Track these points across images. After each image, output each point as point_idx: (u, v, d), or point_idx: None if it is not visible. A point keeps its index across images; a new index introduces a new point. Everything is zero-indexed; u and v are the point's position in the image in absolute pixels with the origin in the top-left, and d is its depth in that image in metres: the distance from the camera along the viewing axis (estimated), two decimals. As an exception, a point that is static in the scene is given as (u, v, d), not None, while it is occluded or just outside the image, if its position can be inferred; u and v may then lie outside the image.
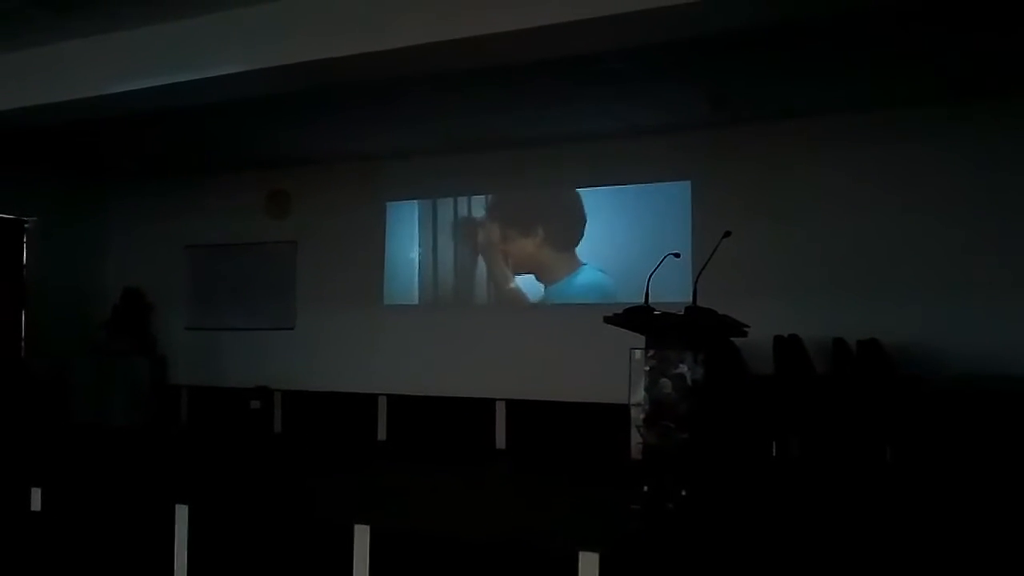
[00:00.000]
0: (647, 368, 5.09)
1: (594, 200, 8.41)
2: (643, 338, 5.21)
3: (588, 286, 8.37)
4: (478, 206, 8.97)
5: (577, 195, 8.51)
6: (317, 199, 9.58)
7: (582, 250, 8.46)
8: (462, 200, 9.01)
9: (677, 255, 5.60)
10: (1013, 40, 5.80)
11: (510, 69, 6.14)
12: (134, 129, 8.10)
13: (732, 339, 5.94)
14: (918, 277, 7.11)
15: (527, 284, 8.74)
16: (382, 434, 9.13)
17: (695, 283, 5.26)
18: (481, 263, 8.94)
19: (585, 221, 8.44)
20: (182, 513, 5.01)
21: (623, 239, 8.15)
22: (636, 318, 5.15)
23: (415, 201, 9.19)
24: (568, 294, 8.50)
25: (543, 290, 8.67)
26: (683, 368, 4.97)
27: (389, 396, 9.13)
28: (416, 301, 9.16)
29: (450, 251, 9.06)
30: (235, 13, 5.64)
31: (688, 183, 8.00)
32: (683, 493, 4.88)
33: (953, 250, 7.04)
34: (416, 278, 9.17)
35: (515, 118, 7.74)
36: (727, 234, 5.36)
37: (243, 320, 9.87)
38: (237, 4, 5.57)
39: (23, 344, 9.61)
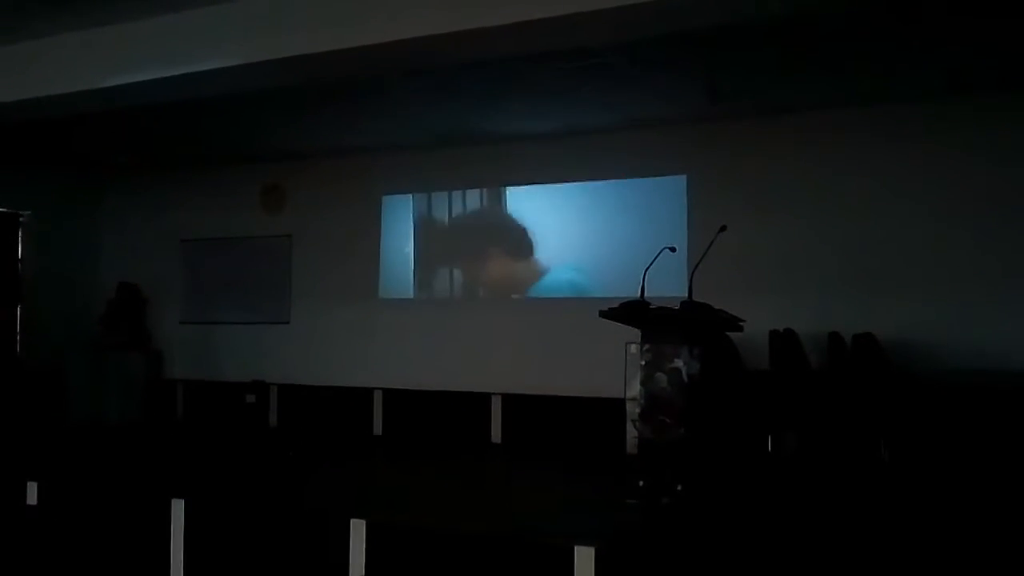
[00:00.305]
0: (643, 362, 5.11)
1: (591, 194, 8.40)
2: (639, 332, 5.22)
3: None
4: (473, 200, 8.96)
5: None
6: (312, 193, 9.56)
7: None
8: (457, 194, 9.01)
9: (673, 249, 5.61)
10: (1012, 35, 5.80)
11: (505, 62, 6.14)
12: (129, 123, 8.07)
13: (728, 334, 5.97)
14: (913, 272, 7.12)
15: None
16: (378, 428, 9.13)
17: (691, 277, 5.28)
18: (477, 258, 8.94)
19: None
20: (178, 507, 5.01)
21: (618, 233, 8.13)
22: (632, 312, 5.16)
23: (411, 195, 9.18)
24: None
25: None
26: (679, 363, 4.99)
27: (385, 390, 9.13)
28: (412, 295, 9.15)
29: (445, 245, 9.06)
30: (230, 7, 5.62)
31: (684, 177, 8.00)
32: (679, 487, 4.90)
33: (949, 245, 7.04)
34: (412, 272, 9.16)
35: (510, 112, 7.72)
36: (723, 228, 5.38)
37: (238, 314, 9.86)
38: (232, -3, 5.56)
39: (19, 338, 9.59)
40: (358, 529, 4.52)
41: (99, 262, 10.49)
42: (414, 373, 8.89)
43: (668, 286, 5.79)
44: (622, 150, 8.15)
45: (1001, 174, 6.92)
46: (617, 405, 6.45)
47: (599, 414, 7.57)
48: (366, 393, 9.17)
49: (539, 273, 8.58)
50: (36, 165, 9.56)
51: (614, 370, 6.55)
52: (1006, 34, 5.81)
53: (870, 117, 7.29)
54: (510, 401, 8.56)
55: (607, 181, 8.29)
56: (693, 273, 5.26)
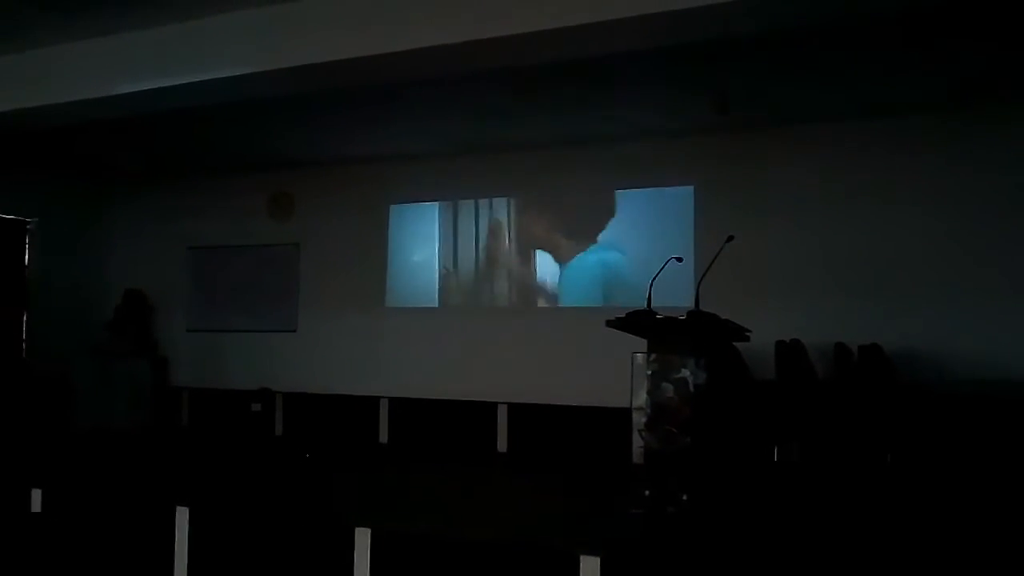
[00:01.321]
0: (649, 372, 5.10)
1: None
2: (645, 342, 5.21)
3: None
4: (483, 210, 8.98)
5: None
6: (320, 201, 9.59)
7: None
8: (466, 204, 9.02)
9: (679, 259, 5.60)
10: (1015, 46, 5.80)
11: (515, 73, 6.15)
12: (137, 130, 8.10)
13: (734, 343, 5.96)
14: (920, 282, 7.11)
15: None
16: (383, 437, 9.13)
17: (697, 287, 5.27)
18: (485, 266, 8.94)
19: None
20: (183, 515, 5.01)
21: (626, 243, 8.14)
22: (638, 322, 5.15)
23: (418, 204, 9.20)
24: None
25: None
26: (685, 372, 4.97)
27: (391, 399, 9.13)
28: (419, 304, 9.16)
29: (453, 254, 9.06)
30: (239, 15, 5.64)
31: (691, 188, 8.00)
32: (684, 497, 4.88)
33: (955, 255, 7.04)
34: (419, 281, 9.16)
35: (519, 122, 7.74)
36: (730, 239, 5.37)
37: (245, 322, 9.88)
38: (241, 5, 5.58)
39: (25, 345, 9.62)
40: (363, 537, 4.51)
41: (106, 268, 10.51)
42: (420, 382, 8.89)
43: (675, 296, 5.79)
44: (629, 161, 8.16)
45: (1009, 185, 6.92)
46: (623, 415, 6.44)
47: (605, 424, 7.56)
48: (372, 401, 9.18)
49: (546, 284, 8.61)
50: (44, 172, 9.61)
51: (620, 380, 6.56)
52: (1008, 45, 5.81)
53: (875, 128, 7.30)
54: (516, 410, 8.55)
55: (614, 191, 8.29)
56: (700, 283, 5.25)
